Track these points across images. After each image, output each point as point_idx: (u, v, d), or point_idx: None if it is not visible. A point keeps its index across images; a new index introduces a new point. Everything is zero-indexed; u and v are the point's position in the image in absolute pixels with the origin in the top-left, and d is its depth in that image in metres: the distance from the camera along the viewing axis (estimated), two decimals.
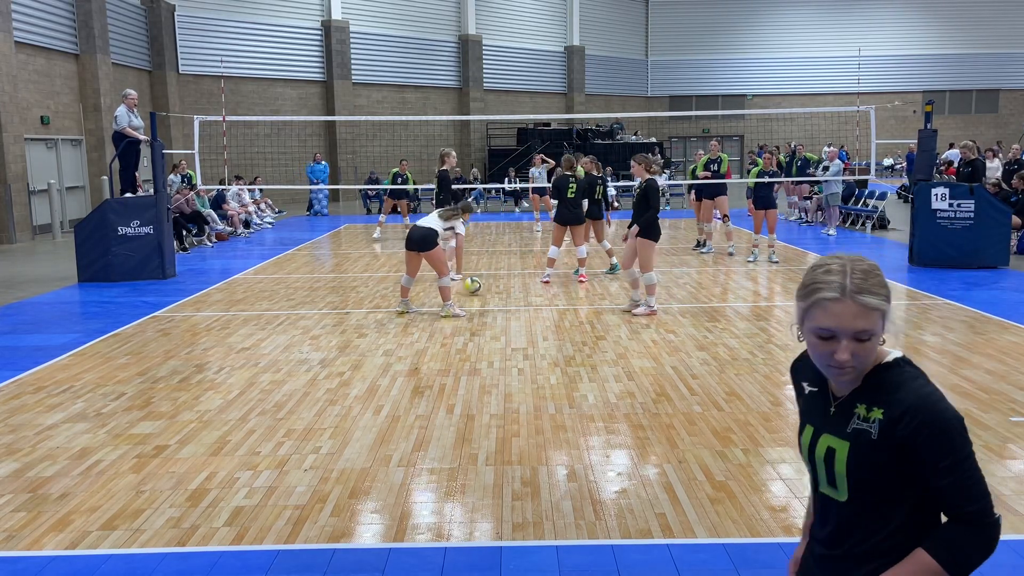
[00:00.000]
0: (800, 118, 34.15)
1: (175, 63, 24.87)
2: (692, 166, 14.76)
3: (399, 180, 17.54)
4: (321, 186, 23.51)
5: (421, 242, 8.95)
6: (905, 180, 18.61)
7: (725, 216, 13.77)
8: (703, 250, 14.25)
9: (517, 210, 24.41)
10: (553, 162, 16.40)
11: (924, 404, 1.67)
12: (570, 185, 11.26)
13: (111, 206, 11.99)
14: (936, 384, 1.74)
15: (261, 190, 21.64)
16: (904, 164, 26.15)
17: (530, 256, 14.36)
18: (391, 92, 30.25)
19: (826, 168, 17.24)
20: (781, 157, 20.30)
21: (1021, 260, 12.77)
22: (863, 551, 1.78)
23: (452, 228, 9.60)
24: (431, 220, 9.20)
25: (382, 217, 17.31)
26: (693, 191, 14.53)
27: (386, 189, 18.31)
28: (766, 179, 13.00)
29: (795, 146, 20.56)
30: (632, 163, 9.41)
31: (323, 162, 24.85)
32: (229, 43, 26.07)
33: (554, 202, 11.86)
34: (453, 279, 11.62)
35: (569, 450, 5.11)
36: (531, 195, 19.99)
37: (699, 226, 14.77)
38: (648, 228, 9.10)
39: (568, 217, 11.28)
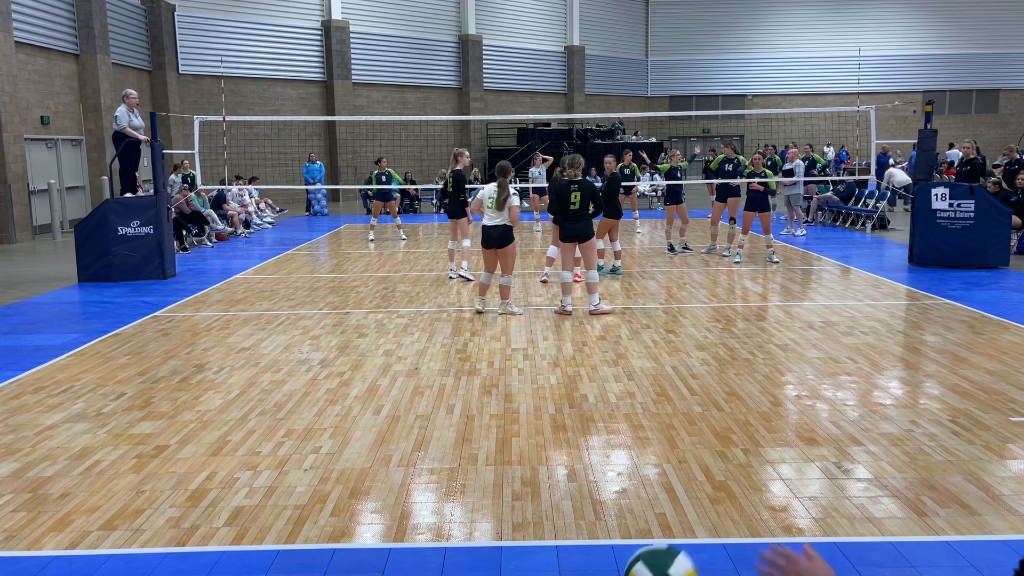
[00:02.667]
0: (800, 118, 34.15)
1: (175, 63, 24.87)
2: (666, 165, 14.57)
3: (382, 180, 16.85)
4: (318, 186, 23.50)
5: (500, 239, 8.95)
6: (873, 184, 18.47)
7: (732, 219, 13.69)
8: (703, 250, 14.19)
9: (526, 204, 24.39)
10: (552, 159, 16.33)
11: None
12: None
13: (111, 206, 11.99)
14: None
15: (258, 190, 21.60)
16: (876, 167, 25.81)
17: (530, 256, 14.35)
18: (391, 92, 30.25)
19: (788, 172, 16.90)
20: (777, 158, 20.27)
21: (1021, 260, 12.77)
22: None
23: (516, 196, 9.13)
24: (499, 215, 8.94)
25: (373, 220, 17.08)
26: (664, 196, 14.30)
27: (370, 193, 17.58)
28: (756, 180, 12.83)
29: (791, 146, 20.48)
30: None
31: (318, 162, 24.81)
32: (229, 43, 26.07)
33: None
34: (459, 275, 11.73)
35: (569, 450, 5.11)
36: (531, 195, 20.00)
37: (667, 229, 14.71)
38: None
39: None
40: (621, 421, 5.64)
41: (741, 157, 13.91)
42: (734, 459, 4.92)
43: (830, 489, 4.49)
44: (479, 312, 9.28)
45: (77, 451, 5.20)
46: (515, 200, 8.94)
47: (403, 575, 3.68)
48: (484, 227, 9.07)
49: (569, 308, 9.17)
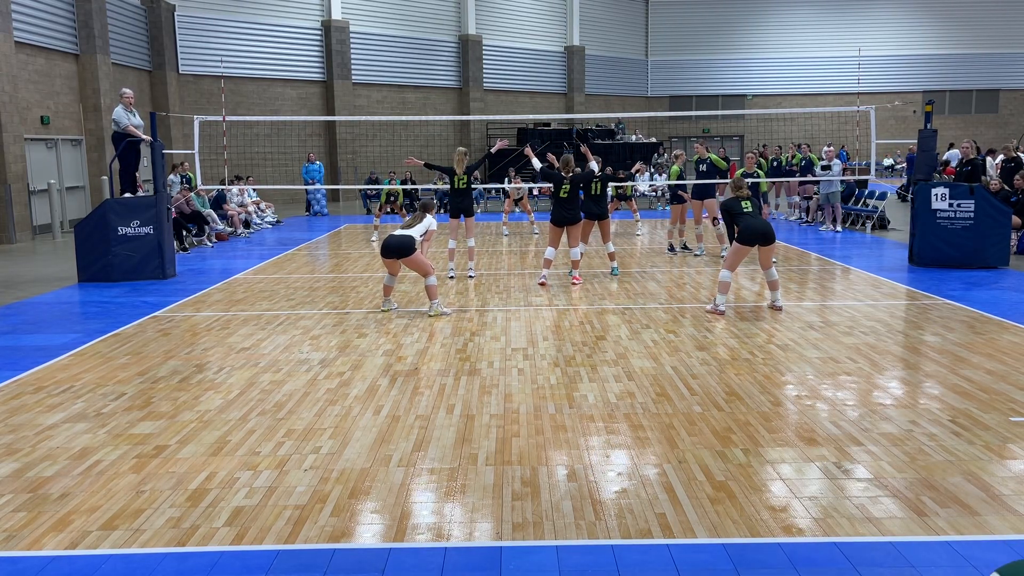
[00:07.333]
0: (800, 118, 34.17)
1: (175, 63, 24.87)
2: (676, 168, 14.64)
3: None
4: (318, 186, 23.52)
5: (399, 250, 9.04)
6: (904, 180, 18.75)
7: (714, 219, 13.65)
8: (696, 252, 14.08)
9: (517, 209, 24.38)
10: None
11: None
12: (563, 185, 11.05)
13: (111, 206, 11.98)
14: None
15: (255, 190, 21.57)
16: (904, 164, 26.23)
17: (529, 256, 14.35)
18: (391, 92, 30.25)
19: (827, 167, 17.25)
20: (783, 157, 20.28)
21: (1021, 260, 12.77)
22: None
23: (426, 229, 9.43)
24: (405, 229, 9.22)
25: (376, 220, 17.37)
26: (668, 194, 14.42)
27: (371, 193, 19.69)
28: (748, 180, 12.81)
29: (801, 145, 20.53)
30: None
31: (317, 162, 24.85)
32: (229, 43, 26.09)
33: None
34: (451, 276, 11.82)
35: (569, 450, 5.11)
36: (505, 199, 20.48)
37: (670, 229, 14.66)
38: None
39: (563, 218, 11.12)
40: (621, 421, 5.64)
41: (713, 156, 13.87)
42: (734, 459, 4.92)
43: (830, 489, 4.49)
44: (384, 311, 9.45)
45: (77, 451, 5.20)
46: (433, 225, 9.37)
47: (403, 575, 3.68)
48: (388, 237, 9.25)
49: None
